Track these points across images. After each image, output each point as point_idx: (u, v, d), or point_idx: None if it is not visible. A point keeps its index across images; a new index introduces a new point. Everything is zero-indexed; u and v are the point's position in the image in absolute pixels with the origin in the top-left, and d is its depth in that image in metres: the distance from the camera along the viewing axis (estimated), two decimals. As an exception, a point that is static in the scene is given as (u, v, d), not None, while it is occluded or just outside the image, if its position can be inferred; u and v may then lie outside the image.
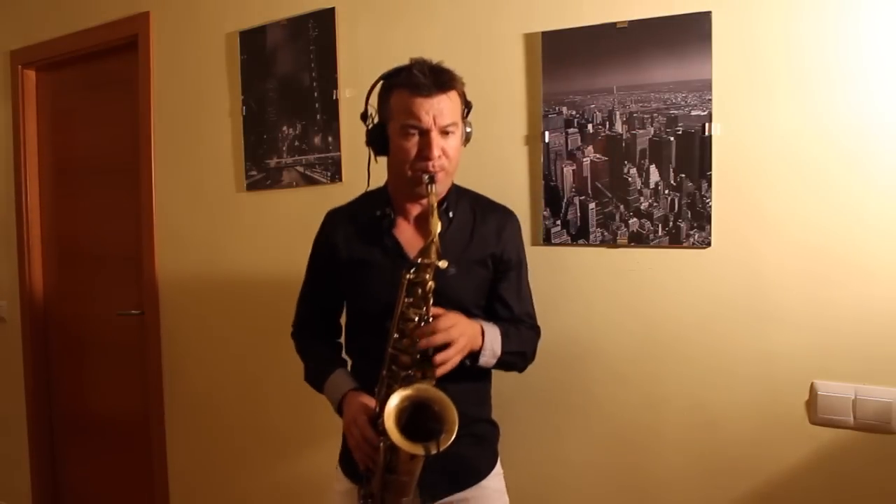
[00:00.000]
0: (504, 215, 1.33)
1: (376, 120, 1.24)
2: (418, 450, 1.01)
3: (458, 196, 1.30)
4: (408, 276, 1.11)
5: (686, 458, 1.45)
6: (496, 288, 1.29)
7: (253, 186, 2.01)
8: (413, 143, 1.16)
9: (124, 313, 2.37)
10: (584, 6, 1.48)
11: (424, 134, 1.16)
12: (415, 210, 1.27)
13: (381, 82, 1.22)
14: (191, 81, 2.13)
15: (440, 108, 1.15)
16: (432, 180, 1.16)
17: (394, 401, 1.04)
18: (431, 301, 1.11)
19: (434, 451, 1.01)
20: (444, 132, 1.17)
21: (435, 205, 1.13)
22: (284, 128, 1.93)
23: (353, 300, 1.32)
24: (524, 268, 1.34)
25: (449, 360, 1.10)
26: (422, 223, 1.26)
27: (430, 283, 1.09)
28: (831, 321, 1.30)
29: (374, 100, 1.24)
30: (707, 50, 1.36)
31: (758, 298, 1.36)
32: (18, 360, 2.67)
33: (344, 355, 1.38)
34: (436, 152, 1.15)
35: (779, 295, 1.34)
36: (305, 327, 1.43)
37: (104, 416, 2.54)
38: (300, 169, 1.90)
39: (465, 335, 1.13)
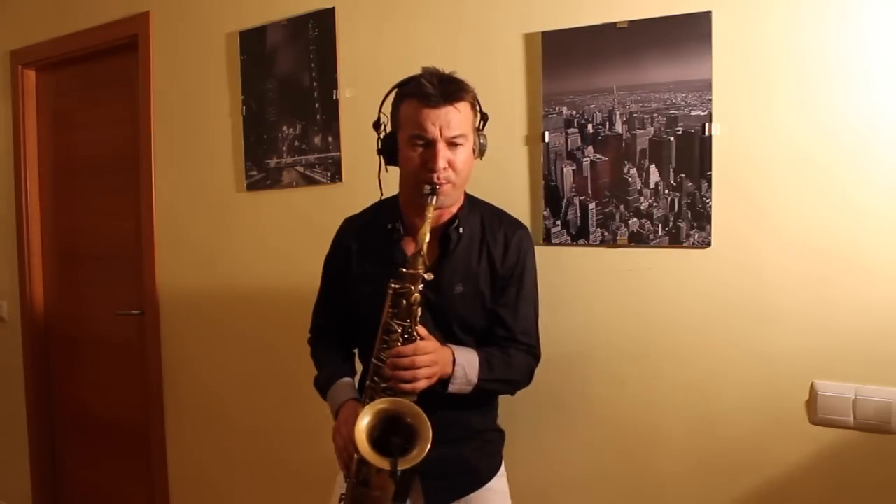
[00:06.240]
0: (512, 229, 1.29)
1: (389, 129, 1.23)
2: (384, 464, 0.99)
3: (470, 210, 1.28)
4: (393, 285, 1.10)
5: (686, 459, 1.45)
6: (494, 304, 1.26)
7: (253, 186, 2.01)
8: (419, 154, 1.15)
9: (124, 313, 2.37)
10: (584, 6, 1.48)
11: (430, 145, 1.14)
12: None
13: (395, 91, 1.21)
14: (191, 81, 2.13)
15: (447, 120, 1.13)
16: (433, 192, 1.14)
17: (367, 413, 1.03)
18: (418, 314, 1.09)
19: (400, 469, 0.98)
20: (452, 144, 1.15)
21: (430, 216, 1.11)
22: (284, 128, 1.93)
23: (362, 313, 1.30)
24: (526, 283, 1.28)
25: (406, 389, 1.08)
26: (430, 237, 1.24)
27: (416, 296, 1.08)
28: (831, 321, 1.30)
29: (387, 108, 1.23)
30: (707, 50, 1.36)
31: (758, 298, 1.36)
32: (18, 360, 2.67)
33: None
34: (441, 164, 1.14)
35: (779, 295, 1.34)
36: (320, 335, 1.42)
37: (104, 416, 2.54)
38: (300, 169, 1.90)
39: (437, 364, 1.11)
